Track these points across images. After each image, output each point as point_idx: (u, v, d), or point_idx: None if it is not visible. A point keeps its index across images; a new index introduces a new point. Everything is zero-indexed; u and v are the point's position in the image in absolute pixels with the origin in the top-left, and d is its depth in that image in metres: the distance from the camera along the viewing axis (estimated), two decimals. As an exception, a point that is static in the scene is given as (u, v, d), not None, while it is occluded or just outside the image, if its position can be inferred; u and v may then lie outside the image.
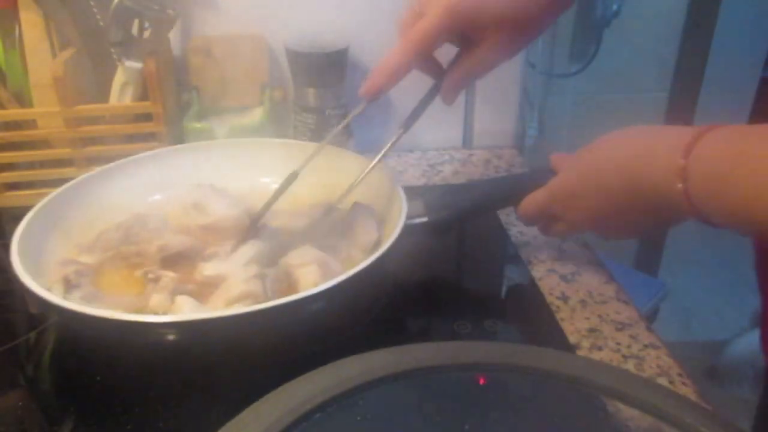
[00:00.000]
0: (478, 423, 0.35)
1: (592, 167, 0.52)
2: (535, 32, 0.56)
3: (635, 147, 0.48)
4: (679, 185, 0.42)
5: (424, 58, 0.56)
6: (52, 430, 0.46)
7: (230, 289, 0.50)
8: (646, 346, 0.54)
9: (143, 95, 0.74)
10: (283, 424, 0.32)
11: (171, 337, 0.46)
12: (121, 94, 0.74)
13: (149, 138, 0.74)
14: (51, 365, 0.54)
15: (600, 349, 0.54)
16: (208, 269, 0.55)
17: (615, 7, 1.31)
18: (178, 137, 0.80)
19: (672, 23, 1.39)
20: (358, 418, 0.35)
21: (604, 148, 0.52)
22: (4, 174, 0.73)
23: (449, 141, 0.96)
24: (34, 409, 0.48)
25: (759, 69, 1.47)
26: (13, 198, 0.74)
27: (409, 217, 0.57)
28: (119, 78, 0.73)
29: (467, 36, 0.55)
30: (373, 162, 0.58)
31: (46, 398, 0.50)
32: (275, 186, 0.69)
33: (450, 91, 0.57)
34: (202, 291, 0.54)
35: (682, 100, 1.45)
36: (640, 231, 0.54)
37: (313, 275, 0.52)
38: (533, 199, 0.58)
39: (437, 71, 0.58)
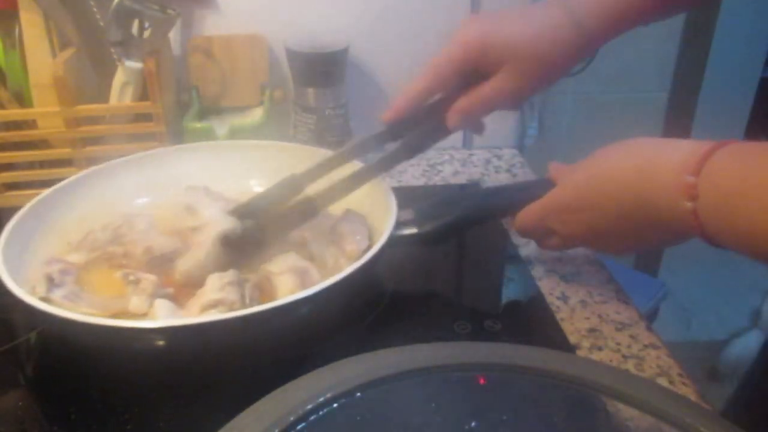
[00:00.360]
0: (478, 423, 0.35)
1: (590, 181, 0.51)
2: (546, 78, 0.56)
3: (637, 161, 0.47)
4: (688, 204, 0.41)
5: (443, 86, 0.56)
6: (52, 430, 0.46)
7: (205, 295, 0.50)
8: (646, 346, 0.54)
9: (143, 95, 0.74)
10: (283, 424, 0.32)
11: (145, 342, 0.46)
12: (121, 94, 0.74)
13: (149, 138, 0.74)
14: (51, 365, 0.54)
15: (600, 349, 0.54)
16: (182, 264, 0.55)
17: (615, 7, 1.31)
18: (178, 137, 0.80)
19: (672, 23, 1.39)
20: (358, 418, 0.35)
21: (604, 161, 0.50)
22: (4, 174, 0.73)
23: (449, 141, 0.95)
24: (34, 409, 0.48)
25: (759, 69, 1.47)
26: (13, 198, 0.74)
27: (398, 227, 0.56)
28: (119, 78, 0.73)
29: (483, 72, 0.55)
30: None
31: (46, 398, 0.50)
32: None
33: (452, 116, 0.57)
34: (182, 294, 0.54)
35: (682, 100, 1.45)
36: (638, 248, 0.53)
37: (291, 283, 0.52)
38: (529, 212, 0.56)
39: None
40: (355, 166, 0.67)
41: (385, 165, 0.60)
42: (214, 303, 0.49)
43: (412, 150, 0.59)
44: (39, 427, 0.46)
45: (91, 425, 0.46)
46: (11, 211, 0.73)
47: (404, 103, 0.57)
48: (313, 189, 0.59)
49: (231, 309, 0.49)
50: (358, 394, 0.35)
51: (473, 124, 0.60)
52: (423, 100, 0.57)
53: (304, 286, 0.51)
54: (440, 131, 0.59)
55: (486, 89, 0.55)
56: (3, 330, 0.57)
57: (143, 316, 0.50)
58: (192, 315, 0.49)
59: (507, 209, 0.59)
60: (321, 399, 0.34)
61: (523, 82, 0.55)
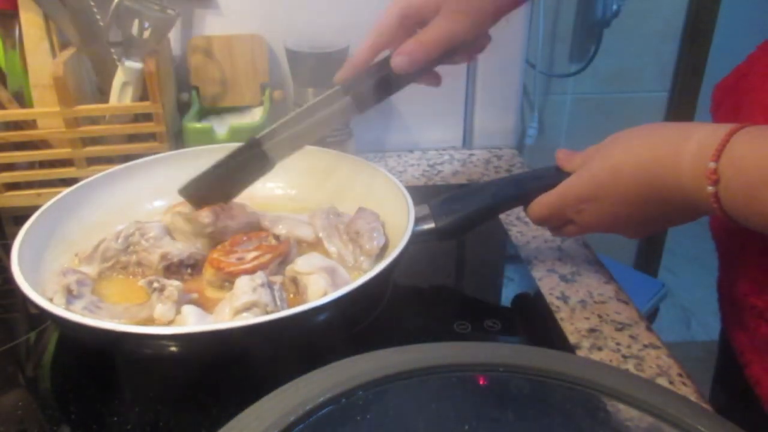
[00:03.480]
0: (478, 423, 0.35)
1: (607, 170, 0.51)
2: (481, 18, 0.56)
3: (654, 148, 0.47)
4: (710, 188, 0.41)
5: (387, 43, 0.58)
6: (52, 430, 0.46)
7: (237, 298, 0.49)
8: (646, 346, 0.54)
9: (143, 95, 0.74)
10: (283, 424, 0.32)
11: (176, 348, 0.46)
12: (121, 94, 0.74)
13: (149, 138, 0.74)
14: (51, 365, 0.54)
15: (600, 349, 0.54)
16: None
17: (615, 7, 1.31)
18: (178, 137, 0.80)
19: (672, 23, 1.39)
20: (358, 418, 0.35)
21: (618, 149, 0.50)
22: (4, 174, 0.73)
23: (449, 141, 0.96)
24: (34, 409, 0.48)
25: (759, 69, 1.47)
26: (13, 198, 0.74)
27: (415, 223, 0.56)
28: (119, 78, 0.73)
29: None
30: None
31: (46, 398, 0.50)
32: (279, 191, 0.67)
33: (395, 58, 0.57)
34: (205, 300, 0.54)
35: (682, 100, 1.45)
36: (657, 230, 0.54)
37: (323, 283, 0.51)
38: (544, 202, 0.56)
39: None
40: (357, 161, 0.67)
41: (334, 119, 0.60)
42: (249, 305, 0.48)
43: (361, 103, 0.59)
44: (39, 427, 0.46)
45: (91, 425, 0.46)
46: (11, 210, 0.74)
47: (352, 63, 0.59)
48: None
49: (265, 311, 0.48)
50: (358, 394, 0.35)
51: (416, 68, 0.58)
52: (369, 56, 0.59)
53: (335, 285, 0.51)
54: (388, 86, 0.59)
55: (422, 31, 0.57)
56: (3, 330, 0.57)
57: (169, 323, 0.50)
58: (223, 319, 0.49)
59: (520, 198, 0.59)
60: (321, 399, 0.34)
61: (453, 22, 0.56)
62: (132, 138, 0.75)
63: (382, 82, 0.59)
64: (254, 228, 0.62)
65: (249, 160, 0.59)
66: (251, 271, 0.53)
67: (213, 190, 0.60)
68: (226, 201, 0.61)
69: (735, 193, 0.41)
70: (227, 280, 0.54)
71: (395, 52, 0.57)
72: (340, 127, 0.59)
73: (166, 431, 0.46)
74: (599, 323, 0.57)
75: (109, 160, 0.76)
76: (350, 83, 0.59)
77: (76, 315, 0.46)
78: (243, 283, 0.50)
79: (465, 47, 0.59)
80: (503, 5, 0.56)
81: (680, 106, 1.46)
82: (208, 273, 0.56)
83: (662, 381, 0.50)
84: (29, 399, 0.49)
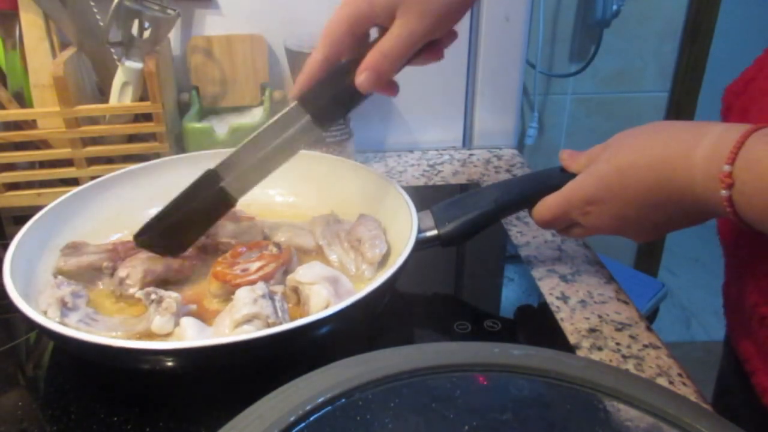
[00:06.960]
0: (478, 423, 0.35)
1: (614, 171, 0.49)
2: (441, 18, 0.50)
3: (664, 148, 0.46)
4: (723, 192, 0.40)
5: (340, 53, 0.53)
6: (52, 430, 0.46)
7: (237, 310, 0.48)
8: (646, 346, 0.54)
9: (143, 95, 0.74)
10: (283, 424, 0.32)
11: (175, 363, 0.45)
12: (121, 94, 0.74)
13: (149, 138, 0.74)
14: (51, 365, 0.54)
15: (600, 349, 0.54)
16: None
17: (615, 7, 1.31)
18: (178, 137, 0.80)
19: (672, 23, 1.40)
20: (358, 418, 0.35)
21: (626, 149, 0.49)
22: (4, 174, 0.73)
23: (449, 141, 0.96)
24: (34, 409, 0.48)
25: (759, 69, 1.47)
26: (13, 198, 0.74)
27: (418, 230, 0.56)
28: (119, 78, 0.73)
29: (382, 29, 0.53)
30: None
31: (46, 398, 0.50)
32: (279, 198, 0.66)
33: (359, 76, 0.52)
34: (203, 311, 0.53)
35: (682, 100, 1.45)
36: (664, 232, 0.52)
37: (325, 294, 0.50)
38: (549, 204, 0.55)
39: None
40: (357, 166, 0.67)
41: (296, 142, 0.55)
42: (250, 317, 0.47)
43: (322, 122, 0.54)
44: (39, 427, 0.46)
45: (91, 425, 0.46)
46: (11, 210, 0.74)
47: (305, 77, 0.53)
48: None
49: (267, 323, 0.47)
50: (358, 394, 0.35)
51: (383, 84, 0.53)
52: (324, 69, 0.53)
53: (338, 295, 0.50)
54: (351, 98, 0.54)
55: (383, 40, 0.52)
56: (3, 330, 0.57)
57: (167, 335, 0.49)
58: (222, 332, 0.48)
59: (526, 202, 0.58)
60: (321, 399, 0.34)
61: (416, 24, 0.50)
62: (132, 138, 0.75)
63: (343, 95, 0.53)
64: (252, 235, 0.61)
65: (208, 201, 0.55)
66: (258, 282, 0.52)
67: (171, 237, 0.56)
68: (183, 250, 0.57)
69: (750, 198, 0.40)
70: (234, 293, 0.52)
71: (359, 69, 0.51)
72: (305, 148, 0.54)
73: (166, 431, 0.46)
74: (599, 323, 0.57)
75: (109, 160, 0.76)
76: (307, 99, 0.54)
77: (71, 330, 0.45)
78: (243, 294, 0.49)
79: (430, 47, 0.53)
80: None
81: (680, 106, 1.46)
82: (213, 286, 0.55)
83: (662, 381, 0.50)
84: (29, 399, 0.49)
